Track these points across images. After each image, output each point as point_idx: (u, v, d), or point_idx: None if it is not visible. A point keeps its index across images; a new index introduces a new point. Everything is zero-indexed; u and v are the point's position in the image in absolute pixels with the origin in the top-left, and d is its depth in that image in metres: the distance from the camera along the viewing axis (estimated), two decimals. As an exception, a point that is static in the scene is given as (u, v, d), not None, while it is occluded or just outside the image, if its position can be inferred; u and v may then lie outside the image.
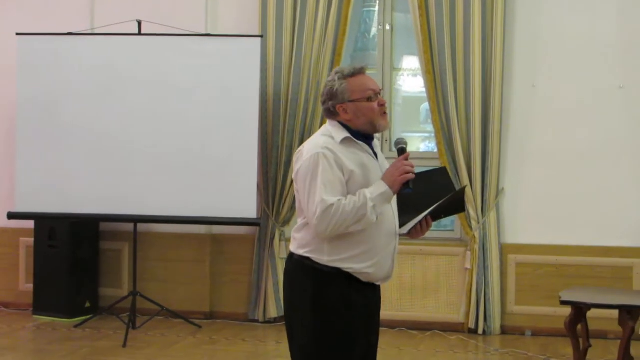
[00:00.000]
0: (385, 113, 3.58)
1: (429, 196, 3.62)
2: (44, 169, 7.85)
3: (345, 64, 7.85)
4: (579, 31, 7.46)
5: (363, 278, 3.48)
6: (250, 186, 7.62)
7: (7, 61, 8.29)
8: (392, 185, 3.37)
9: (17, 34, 7.95)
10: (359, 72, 3.55)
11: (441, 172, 4.14)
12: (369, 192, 3.35)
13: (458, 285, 7.61)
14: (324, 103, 3.60)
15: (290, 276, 3.63)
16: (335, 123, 3.55)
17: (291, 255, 3.61)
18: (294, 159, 3.61)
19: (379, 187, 3.38)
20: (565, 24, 7.51)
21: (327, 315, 3.48)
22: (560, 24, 7.52)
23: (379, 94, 3.55)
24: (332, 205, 3.31)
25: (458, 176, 7.46)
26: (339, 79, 3.52)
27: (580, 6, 7.47)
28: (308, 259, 3.48)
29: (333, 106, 3.53)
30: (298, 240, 3.56)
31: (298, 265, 3.54)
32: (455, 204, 3.77)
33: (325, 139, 3.49)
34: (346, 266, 3.44)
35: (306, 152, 3.48)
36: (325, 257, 3.44)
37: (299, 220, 3.59)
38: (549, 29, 7.56)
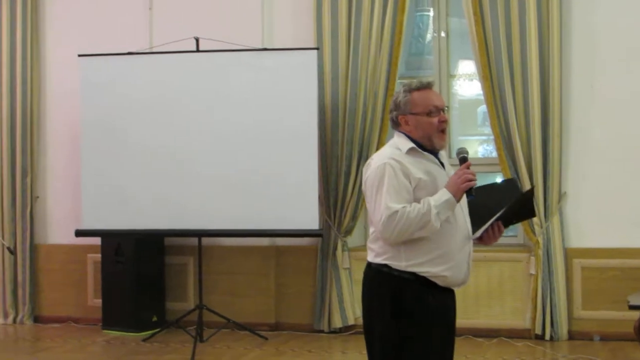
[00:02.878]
0: (443, 131, 3.63)
1: (499, 203, 3.69)
2: (109, 187, 7.98)
3: (400, 70, 7.93)
4: (635, 29, 7.39)
5: (440, 282, 3.53)
6: (311, 197, 7.65)
7: (70, 83, 8.46)
8: (455, 192, 3.43)
9: (79, 55, 8.12)
10: (425, 86, 3.63)
11: (512, 182, 4.19)
12: (432, 200, 3.41)
13: (523, 291, 7.57)
14: (390, 112, 3.71)
15: (369, 284, 3.68)
16: (402, 134, 3.63)
17: (369, 265, 3.66)
18: (364, 170, 3.70)
19: (443, 195, 3.43)
20: (621, 22, 7.42)
21: (407, 319, 3.51)
22: (616, 22, 7.43)
23: (442, 110, 3.61)
24: (396, 211, 3.38)
25: (520, 181, 7.38)
26: (404, 91, 3.63)
27: (637, 4, 7.40)
28: (386, 266, 3.53)
29: (396, 116, 3.64)
30: (375, 250, 3.60)
31: (376, 274, 3.60)
32: (525, 208, 3.83)
33: (392, 150, 3.59)
34: (423, 270, 3.49)
35: (374, 163, 3.57)
36: (403, 263, 3.49)
37: (371, 231, 3.65)
38: (605, 28, 7.47)
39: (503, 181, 4.18)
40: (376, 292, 3.63)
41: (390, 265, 3.52)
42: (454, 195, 3.43)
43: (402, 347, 3.51)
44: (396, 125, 3.67)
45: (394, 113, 3.66)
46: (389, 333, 3.55)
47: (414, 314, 3.52)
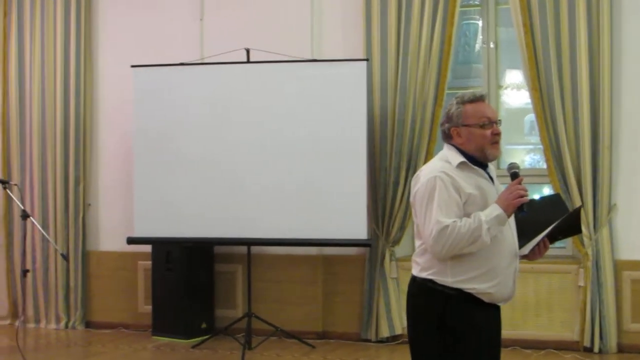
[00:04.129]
0: (497, 142, 3.63)
1: (545, 219, 3.69)
2: (161, 195, 8.09)
3: (449, 81, 7.95)
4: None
5: (485, 298, 3.53)
6: (359, 207, 7.66)
7: (122, 94, 8.62)
8: (506, 208, 3.43)
9: (132, 66, 8.24)
10: (478, 99, 3.64)
11: (556, 197, 4.20)
12: (483, 215, 3.42)
13: (571, 303, 7.54)
14: (441, 125, 3.71)
15: (414, 299, 3.69)
16: (452, 147, 3.64)
17: (414, 279, 3.67)
18: (412, 183, 3.71)
19: (494, 210, 3.43)
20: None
21: (452, 335, 3.52)
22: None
23: (496, 123, 3.62)
24: (447, 226, 3.39)
25: (569, 193, 7.39)
26: (457, 103, 3.63)
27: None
28: (431, 281, 3.54)
29: (448, 129, 3.64)
30: (421, 264, 3.61)
31: (422, 288, 3.60)
32: (571, 225, 3.82)
33: (442, 163, 3.59)
34: (469, 286, 3.49)
35: (423, 176, 3.58)
36: (449, 279, 3.50)
37: (418, 244, 3.67)
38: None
39: (548, 196, 4.18)
40: (421, 307, 3.64)
41: (436, 280, 3.53)
42: (505, 211, 3.43)
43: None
44: (448, 137, 3.67)
45: (446, 125, 3.66)
46: (434, 348, 3.57)
47: (459, 329, 3.53)
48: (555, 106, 7.49)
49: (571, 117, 7.48)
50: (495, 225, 3.43)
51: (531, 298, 7.54)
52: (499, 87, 8.23)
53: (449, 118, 3.65)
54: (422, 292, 3.61)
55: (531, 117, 7.81)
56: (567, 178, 7.47)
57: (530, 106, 7.73)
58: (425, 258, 3.58)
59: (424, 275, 3.58)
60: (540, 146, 7.71)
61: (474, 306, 3.53)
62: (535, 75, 7.57)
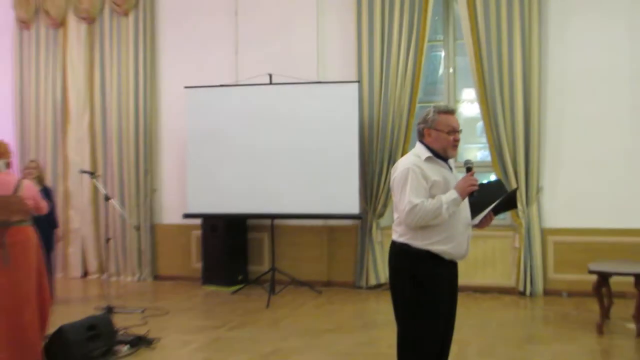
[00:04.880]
0: (456, 146, 3.64)
1: (490, 199, 3.75)
2: (207, 182, 8.17)
3: (418, 96, 7.95)
4: (595, 70, 7.39)
5: (446, 256, 3.56)
6: (353, 190, 7.73)
7: (178, 107, 8.66)
8: (461, 193, 3.47)
9: (185, 87, 8.31)
10: (449, 112, 3.63)
11: (498, 182, 4.26)
12: (444, 197, 3.45)
13: (509, 259, 7.63)
14: (418, 125, 3.67)
15: (394, 258, 3.68)
16: (422, 144, 3.63)
17: (393, 243, 3.66)
18: (392, 171, 3.69)
19: (452, 194, 3.46)
20: (585, 64, 7.43)
21: (421, 284, 3.55)
22: (581, 63, 7.45)
23: (458, 132, 3.61)
24: (416, 205, 3.42)
25: (507, 179, 7.45)
26: (434, 111, 3.60)
27: (597, 45, 7.40)
28: (406, 244, 3.55)
29: (422, 129, 3.62)
30: (398, 232, 3.62)
31: (400, 249, 3.60)
32: (509, 203, 3.87)
33: (413, 157, 3.59)
34: (434, 248, 3.51)
35: (400, 167, 3.58)
36: (419, 242, 3.52)
37: (395, 217, 3.65)
38: (573, 67, 7.48)
39: (493, 181, 4.21)
40: (399, 264, 3.65)
41: (410, 244, 3.55)
42: (460, 195, 3.47)
43: (418, 303, 3.56)
44: (421, 135, 3.65)
45: (421, 126, 3.64)
46: (409, 293, 3.59)
47: (427, 279, 3.56)
48: (497, 115, 7.55)
49: (509, 124, 7.53)
50: (452, 205, 3.47)
51: (480, 256, 7.60)
52: (457, 101, 8.23)
53: (425, 120, 3.63)
54: (400, 252, 3.61)
55: (481, 124, 7.84)
56: (506, 168, 7.54)
57: (480, 116, 7.78)
58: (401, 227, 3.59)
59: (401, 240, 3.59)
60: (487, 145, 7.77)
61: (438, 262, 3.57)
62: (483, 93, 7.63)
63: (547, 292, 7.48)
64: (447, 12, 8.20)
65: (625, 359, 5.11)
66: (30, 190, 5.10)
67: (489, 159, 7.80)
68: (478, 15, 7.58)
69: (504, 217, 7.83)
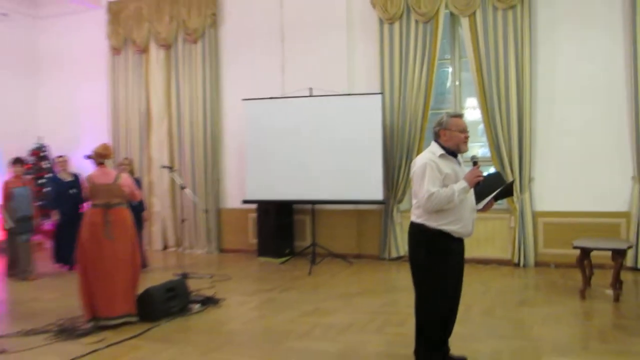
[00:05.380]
0: (466, 142, 3.66)
1: (492, 188, 3.77)
2: (261, 175, 8.20)
3: (430, 104, 7.85)
4: (582, 78, 7.26)
5: (455, 235, 3.58)
6: (378, 181, 7.69)
7: (237, 115, 8.71)
8: (469, 183, 3.50)
9: (243, 99, 8.35)
10: (459, 116, 3.68)
11: (498, 174, 4.22)
12: (455, 186, 3.48)
13: (506, 237, 7.54)
14: (434, 127, 3.69)
15: (413, 236, 3.68)
16: (437, 144, 3.64)
17: (412, 223, 3.67)
18: (411, 165, 3.69)
19: (462, 184, 3.49)
20: (571, 72, 7.31)
21: (435, 256, 3.57)
22: (569, 72, 7.32)
23: (466, 131, 3.65)
24: (433, 193, 3.45)
25: (504, 171, 7.37)
26: (447, 116, 3.65)
27: (582, 56, 7.26)
28: (423, 224, 3.57)
29: (438, 130, 3.65)
30: (416, 215, 3.63)
31: (417, 229, 3.61)
32: (507, 192, 3.86)
33: (430, 154, 3.60)
34: (446, 227, 3.54)
35: (419, 162, 3.59)
36: (433, 223, 3.54)
37: (414, 202, 3.65)
38: (561, 76, 7.36)
39: (493, 173, 4.18)
40: (417, 240, 3.65)
41: (425, 224, 3.57)
42: (469, 185, 3.50)
43: (432, 271, 3.58)
44: (437, 136, 3.66)
45: (437, 128, 3.66)
46: (425, 263, 3.60)
47: (440, 253, 3.58)
48: (495, 119, 7.46)
49: (505, 125, 7.44)
50: (462, 193, 3.50)
51: (482, 234, 7.50)
52: (462, 108, 8.13)
53: (440, 123, 3.65)
54: (418, 231, 3.62)
55: (482, 126, 7.76)
56: (503, 162, 7.44)
57: (481, 119, 7.69)
58: (419, 211, 3.60)
59: (419, 221, 3.60)
60: (487, 143, 7.67)
61: (448, 239, 3.58)
62: (483, 100, 7.54)
63: (537, 264, 7.38)
64: (454, 35, 8.10)
65: (603, 319, 5.04)
66: (127, 180, 5.33)
67: (488, 155, 7.70)
68: (479, 38, 7.50)
69: (501, 203, 7.74)
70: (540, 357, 4.01)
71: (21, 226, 7.11)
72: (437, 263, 3.58)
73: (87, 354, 4.17)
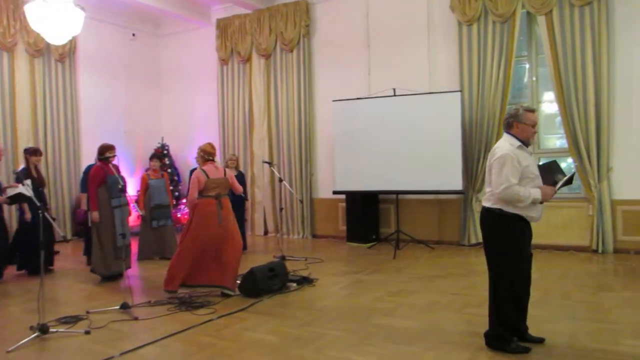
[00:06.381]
0: (534, 137, 3.55)
1: (552, 175, 3.59)
2: (349, 167, 8.22)
3: (509, 100, 7.58)
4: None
5: (531, 220, 3.50)
6: (458, 171, 7.50)
7: (328, 114, 8.76)
8: (543, 198, 3.43)
9: (333, 100, 8.41)
10: (532, 110, 3.54)
11: (555, 163, 3.95)
12: (533, 192, 3.40)
13: (584, 224, 7.11)
14: (507, 119, 3.57)
15: (488, 220, 3.54)
16: (510, 135, 3.52)
17: (487, 209, 3.53)
18: (489, 155, 3.56)
19: (537, 195, 3.41)
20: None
21: (511, 239, 3.47)
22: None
23: (535, 125, 3.53)
24: (513, 184, 3.37)
25: (581, 161, 6.96)
26: (522, 109, 3.53)
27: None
28: (501, 209, 3.46)
29: (512, 122, 3.53)
30: (491, 201, 3.50)
31: (494, 214, 3.48)
32: (569, 182, 3.62)
33: (508, 145, 3.47)
34: (523, 213, 3.45)
35: (499, 152, 3.46)
36: (511, 209, 3.44)
37: (488, 190, 3.55)
38: (638, 66, 6.84)
39: (550, 162, 3.92)
40: (494, 224, 3.52)
41: (503, 209, 3.45)
42: (542, 199, 3.43)
43: (508, 252, 3.47)
44: (509, 127, 3.54)
45: (511, 119, 3.53)
46: (502, 246, 3.49)
47: (516, 235, 3.48)
48: (573, 112, 7.06)
49: (583, 118, 7.02)
50: (535, 201, 3.43)
51: (560, 222, 7.18)
52: (539, 102, 7.75)
53: (515, 115, 3.53)
54: (494, 215, 3.49)
55: (559, 119, 7.35)
56: (581, 153, 7.02)
57: (558, 112, 7.28)
58: (494, 197, 3.48)
59: (495, 206, 3.48)
60: (564, 135, 7.25)
61: (523, 222, 3.49)
62: (560, 94, 7.15)
63: (616, 251, 6.91)
64: (530, 33, 7.70)
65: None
66: (230, 175, 5.51)
67: (566, 145, 7.27)
68: (556, 34, 7.11)
69: (579, 191, 7.32)
70: (619, 340, 3.74)
71: (156, 213, 7.44)
72: (514, 245, 3.48)
73: (202, 323, 4.38)
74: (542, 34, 7.24)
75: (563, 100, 7.14)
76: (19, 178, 5.37)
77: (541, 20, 7.21)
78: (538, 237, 6.93)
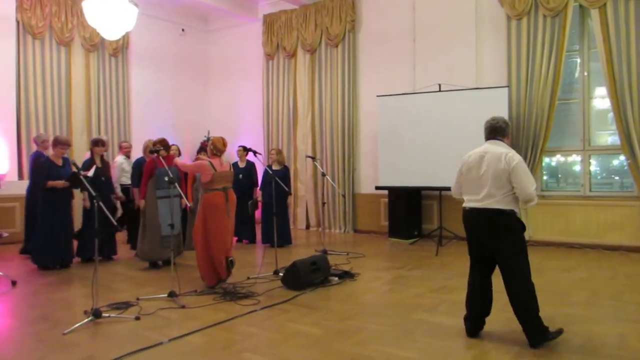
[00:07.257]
0: None
1: None
2: (393, 163, 8.20)
3: (559, 95, 7.36)
4: None
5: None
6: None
7: (372, 109, 8.76)
8: None
9: (377, 95, 8.41)
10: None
11: None
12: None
13: (636, 224, 6.85)
14: (502, 124, 3.76)
15: (502, 222, 3.53)
16: (501, 142, 3.74)
17: (499, 210, 3.51)
18: (504, 158, 3.53)
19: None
20: None
21: (523, 238, 3.55)
22: None
23: None
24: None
25: (635, 158, 6.70)
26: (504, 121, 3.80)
27: None
28: (513, 210, 3.52)
29: (508, 131, 3.81)
30: (504, 202, 3.51)
31: (504, 214, 3.51)
32: None
33: (514, 152, 3.62)
34: (519, 214, 3.56)
35: (516, 157, 3.54)
36: (517, 209, 3.55)
37: (502, 191, 3.51)
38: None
39: None
40: (508, 225, 3.53)
41: (515, 210, 3.54)
42: None
43: (524, 252, 3.54)
44: (503, 134, 3.75)
45: (507, 129, 3.76)
46: (522, 243, 3.55)
47: (523, 234, 3.57)
48: (626, 107, 6.82)
49: (637, 114, 6.77)
50: None
51: (609, 221, 6.94)
52: (590, 98, 7.51)
53: (508, 126, 3.81)
54: (506, 216, 3.51)
55: (611, 114, 7.10)
56: (634, 150, 6.77)
57: (610, 108, 7.05)
58: (508, 199, 3.51)
59: (508, 207, 3.51)
60: (617, 131, 6.99)
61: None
62: (613, 89, 6.92)
63: (671, 252, 6.64)
64: (582, 27, 7.45)
65: None
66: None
67: (618, 142, 7.02)
68: (609, 28, 6.86)
69: (632, 190, 7.04)
70: (672, 346, 3.60)
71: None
72: (524, 242, 3.57)
73: (246, 313, 4.47)
74: (595, 28, 7.01)
75: (616, 96, 6.89)
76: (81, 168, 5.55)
77: (594, 13, 6.98)
78: (587, 236, 6.83)
